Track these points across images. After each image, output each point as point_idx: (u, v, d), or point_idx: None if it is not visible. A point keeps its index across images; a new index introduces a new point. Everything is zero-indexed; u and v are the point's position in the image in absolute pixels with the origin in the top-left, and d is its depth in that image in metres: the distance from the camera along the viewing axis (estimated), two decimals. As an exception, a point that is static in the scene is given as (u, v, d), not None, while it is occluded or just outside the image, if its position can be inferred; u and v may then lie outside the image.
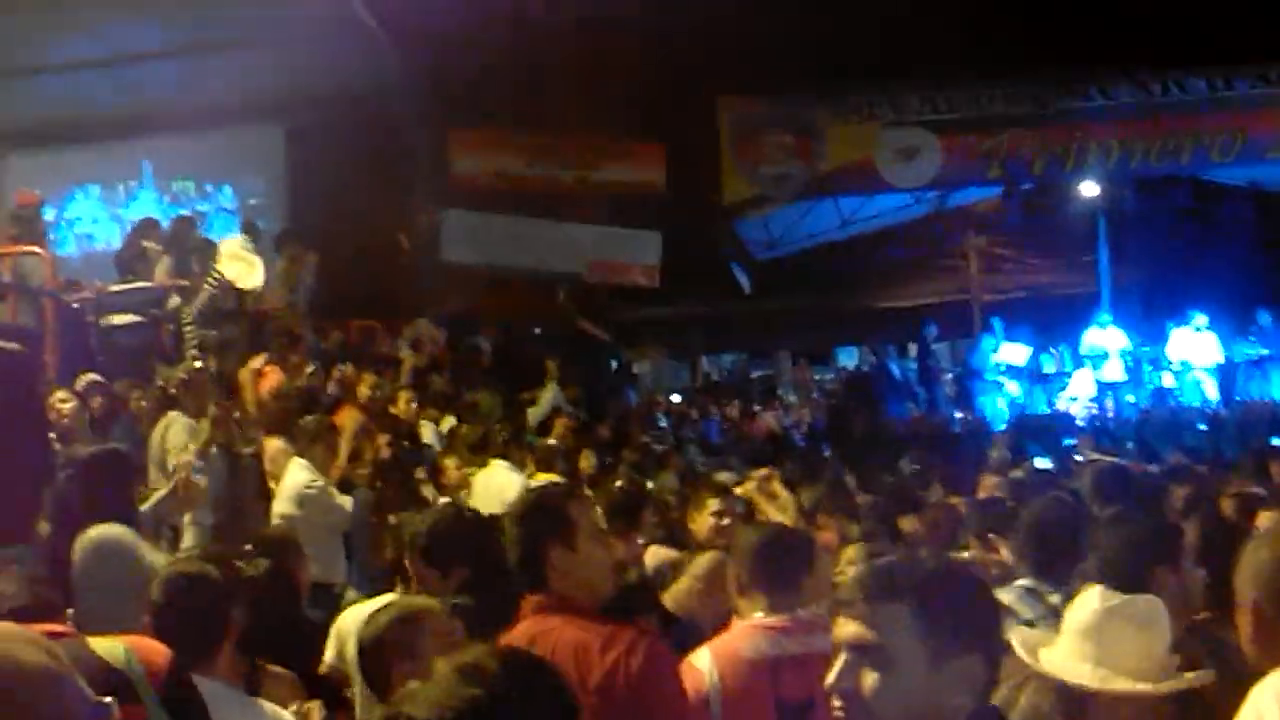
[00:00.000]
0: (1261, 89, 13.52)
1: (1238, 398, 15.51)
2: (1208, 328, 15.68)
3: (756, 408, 18.41)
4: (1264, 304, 15.75)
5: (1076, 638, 2.63)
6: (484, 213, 14.21)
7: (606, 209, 15.21)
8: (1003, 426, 15.85)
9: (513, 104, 14.45)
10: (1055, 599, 3.78)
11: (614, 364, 18.14)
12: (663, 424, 17.81)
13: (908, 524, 6.90)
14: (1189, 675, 2.66)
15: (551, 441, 9.80)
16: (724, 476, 10.07)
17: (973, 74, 14.57)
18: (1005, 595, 3.85)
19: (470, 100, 14.23)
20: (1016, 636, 2.67)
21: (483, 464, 8.31)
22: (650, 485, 8.59)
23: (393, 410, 9.06)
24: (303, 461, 6.31)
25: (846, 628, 1.81)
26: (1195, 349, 15.73)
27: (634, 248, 14.94)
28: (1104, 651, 2.60)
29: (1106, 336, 16.13)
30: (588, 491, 8.42)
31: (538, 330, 15.96)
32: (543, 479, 8.47)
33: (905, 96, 14.84)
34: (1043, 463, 11.90)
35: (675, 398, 18.24)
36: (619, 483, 8.18)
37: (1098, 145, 14.11)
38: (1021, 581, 3.93)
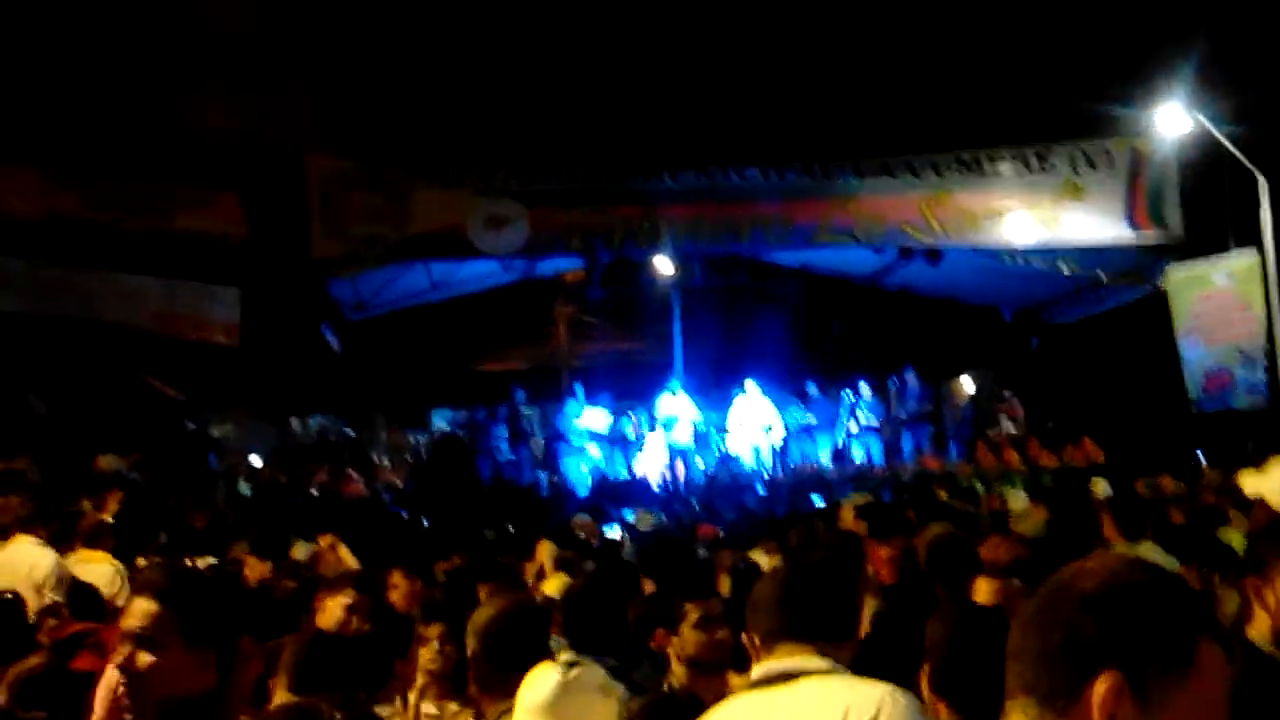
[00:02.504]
0: (806, 180, 14.84)
1: (790, 462, 16.84)
2: (765, 396, 16.99)
3: (349, 471, 18.03)
4: (813, 376, 17.32)
5: (537, 714, 2.74)
6: (32, 259, 13.08)
7: (184, 261, 14.44)
8: (585, 490, 16.45)
9: (66, 141, 13.40)
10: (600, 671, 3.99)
11: (190, 426, 17.21)
12: (245, 490, 17.11)
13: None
14: None
15: (105, 517, 9.03)
16: (301, 549, 9.72)
17: (557, 150, 15.11)
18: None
19: (14, 135, 13.05)
20: None
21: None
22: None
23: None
24: None
25: None
26: (754, 416, 16.97)
27: (210, 303, 14.27)
28: None
29: (677, 403, 17.09)
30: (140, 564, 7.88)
31: (99, 389, 14.84)
32: (89, 558, 7.82)
33: (494, 166, 15.14)
34: (612, 532, 12.40)
35: (257, 461, 17.54)
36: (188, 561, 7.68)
37: (667, 224, 14.93)
38: (565, 656, 4.08)
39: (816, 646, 2.72)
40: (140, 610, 2.83)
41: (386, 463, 19.66)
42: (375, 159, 15.06)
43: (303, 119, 14.27)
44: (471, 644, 3.40)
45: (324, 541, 8.62)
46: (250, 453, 18.35)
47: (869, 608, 5.62)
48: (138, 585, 2.94)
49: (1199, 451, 11.80)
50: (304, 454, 18.67)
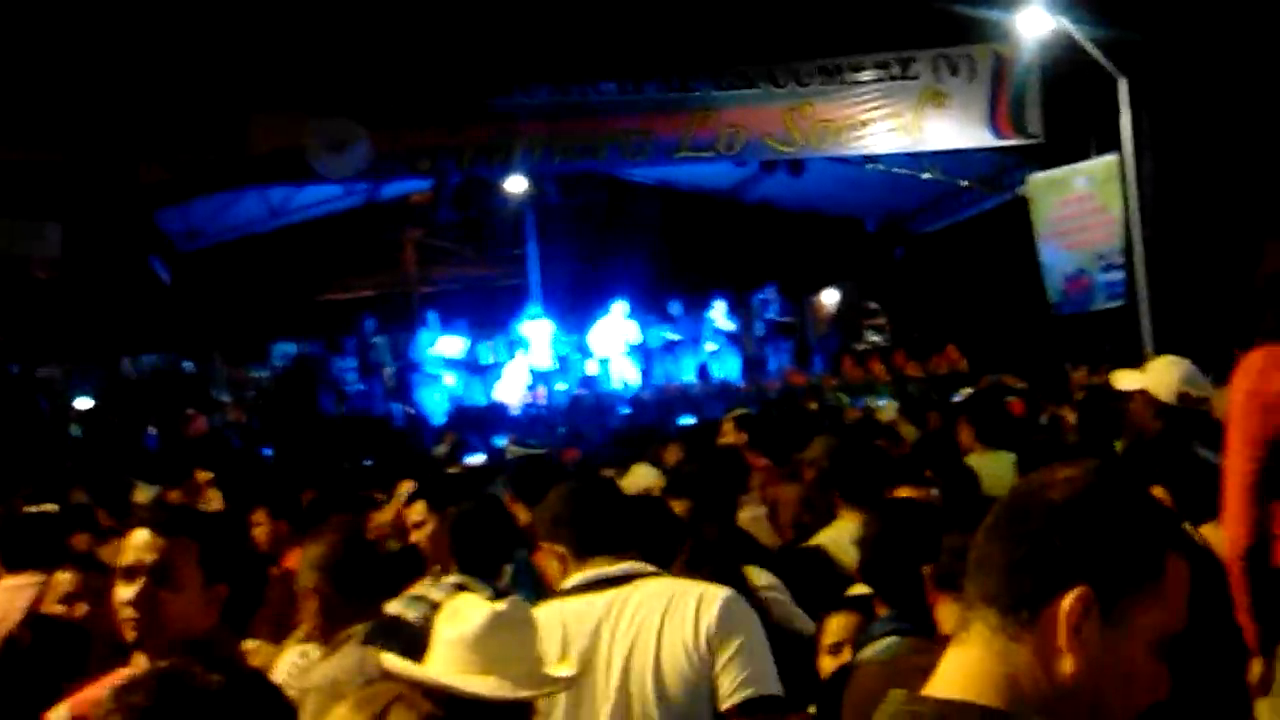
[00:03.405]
0: (665, 93, 14.37)
1: (655, 381, 16.61)
2: (628, 316, 16.65)
3: (190, 410, 17.15)
4: (674, 294, 17.06)
5: (462, 648, 2.44)
6: None
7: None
8: (443, 419, 15.91)
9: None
10: (487, 594, 3.72)
11: (14, 370, 16.09)
12: (75, 433, 16.12)
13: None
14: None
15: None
16: (144, 493, 9.09)
17: (400, 68, 14.34)
18: (436, 593, 3.63)
19: None
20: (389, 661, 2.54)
21: None
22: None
23: None
24: None
25: None
26: (617, 336, 16.64)
27: (29, 239, 13.20)
28: (491, 660, 2.44)
29: (537, 327, 16.63)
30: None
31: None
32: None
33: (331, 86, 14.29)
34: (475, 459, 11.97)
35: (84, 404, 16.49)
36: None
37: (521, 142, 14.29)
38: (452, 579, 3.86)
39: (632, 555, 2.94)
40: (148, 543, 2.59)
41: (228, 399, 18.80)
42: (204, 83, 14.05)
43: (127, 44, 13.22)
44: (312, 578, 3.40)
45: (201, 477, 8.17)
46: (78, 394, 17.31)
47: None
48: (137, 519, 2.72)
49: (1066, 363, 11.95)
50: (137, 393, 17.71)
